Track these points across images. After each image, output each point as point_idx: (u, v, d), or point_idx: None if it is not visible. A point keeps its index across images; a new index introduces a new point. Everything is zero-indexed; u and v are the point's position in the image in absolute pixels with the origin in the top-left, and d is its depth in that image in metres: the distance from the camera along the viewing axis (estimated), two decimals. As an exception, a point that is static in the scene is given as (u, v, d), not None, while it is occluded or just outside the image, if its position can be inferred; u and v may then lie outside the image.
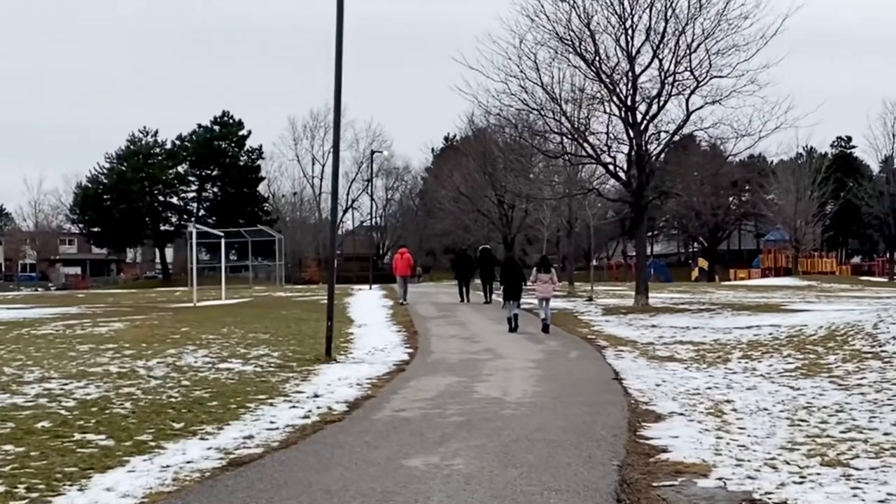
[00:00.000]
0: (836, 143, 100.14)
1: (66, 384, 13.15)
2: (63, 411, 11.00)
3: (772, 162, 70.83)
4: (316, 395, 12.47)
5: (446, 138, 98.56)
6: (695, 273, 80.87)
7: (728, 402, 11.89)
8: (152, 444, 9.35)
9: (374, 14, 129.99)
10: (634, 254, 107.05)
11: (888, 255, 77.53)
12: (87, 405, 11.44)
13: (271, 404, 11.84)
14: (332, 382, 13.76)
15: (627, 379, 13.88)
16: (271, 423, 10.58)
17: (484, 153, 48.11)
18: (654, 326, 22.55)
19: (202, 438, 9.68)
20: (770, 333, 19.61)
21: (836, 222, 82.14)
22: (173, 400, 11.98)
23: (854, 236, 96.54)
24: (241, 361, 16.07)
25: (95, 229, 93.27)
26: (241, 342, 19.29)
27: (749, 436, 9.76)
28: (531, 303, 25.05)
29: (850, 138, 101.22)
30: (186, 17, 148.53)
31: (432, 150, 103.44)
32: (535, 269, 22.94)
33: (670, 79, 27.31)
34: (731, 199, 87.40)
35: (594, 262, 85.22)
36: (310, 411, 11.28)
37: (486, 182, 47.57)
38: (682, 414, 11.06)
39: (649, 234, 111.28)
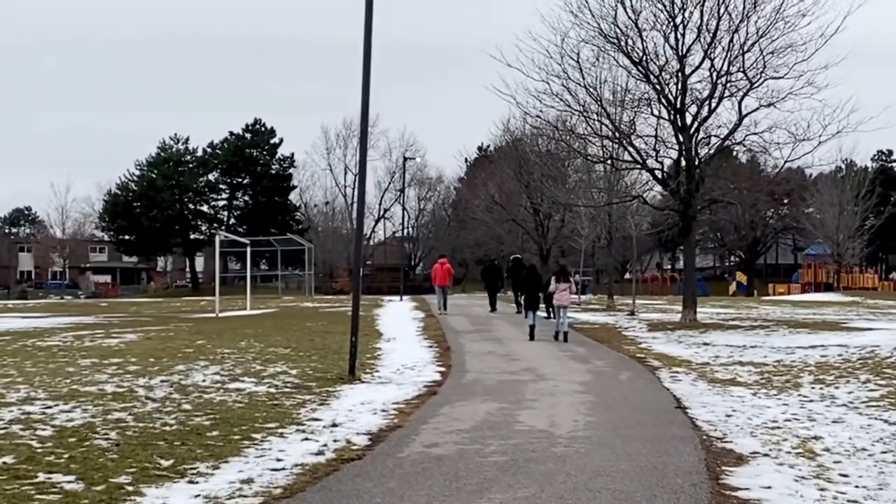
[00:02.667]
0: (876, 157, 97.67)
1: (49, 407, 11.53)
2: (34, 442, 9.35)
3: (810, 175, 68.77)
4: (334, 425, 10.76)
5: (480, 148, 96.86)
6: (732, 287, 78.66)
7: (816, 438, 10.09)
8: (129, 488, 7.68)
9: (408, 27, 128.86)
10: (668, 267, 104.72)
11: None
12: (64, 434, 9.79)
13: (281, 435, 10.15)
14: (354, 407, 12.06)
15: (692, 407, 12.08)
16: (277, 460, 8.89)
17: (519, 160, 46.37)
18: (706, 344, 20.70)
19: (191, 482, 8.00)
20: (839, 355, 17.74)
21: (876, 237, 79.60)
22: (167, 429, 10.31)
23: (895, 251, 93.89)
24: (255, 380, 14.41)
25: (125, 237, 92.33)
26: (258, 357, 17.66)
27: (857, 486, 7.99)
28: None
29: (891, 152, 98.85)
30: (225, 28, 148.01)
31: (465, 159, 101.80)
32: (553, 278, 23.05)
33: (722, 79, 25.47)
34: (770, 212, 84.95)
35: (629, 275, 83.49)
36: (325, 445, 9.57)
37: (522, 190, 45.86)
38: (766, 454, 9.27)
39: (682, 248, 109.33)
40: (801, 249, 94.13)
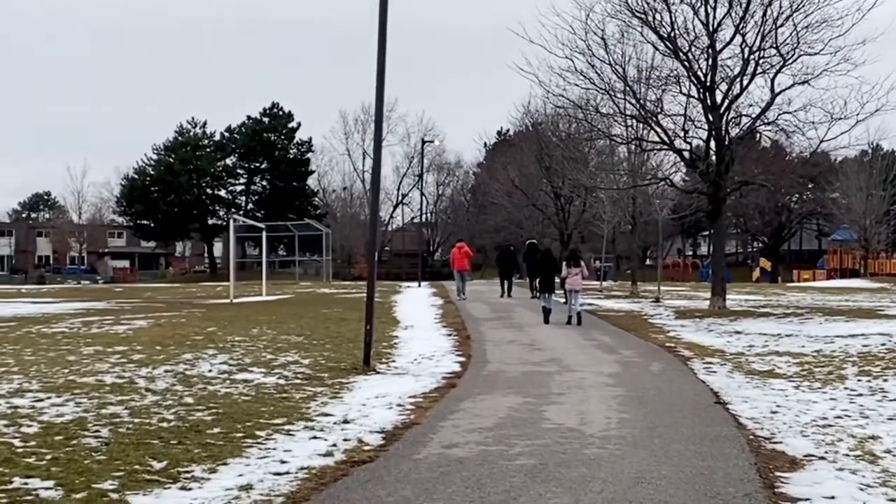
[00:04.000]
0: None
1: (41, 399, 10.73)
2: (17, 441, 8.55)
3: (835, 160, 67.41)
4: (345, 421, 9.91)
5: (499, 133, 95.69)
6: (755, 274, 77.38)
7: (874, 438, 9.16)
8: (113, 496, 6.86)
9: (426, 9, 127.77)
10: (690, 252, 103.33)
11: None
12: (51, 431, 8.98)
13: (288, 432, 9.31)
14: (368, 401, 11.21)
15: (732, 402, 11.17)
16: (282, 462, 8.06)
17: (540, 142, 45.36)
18: (738, 333, 19.73)
19: (184, 488, 7.17)
20: (882, 344, 16.76)
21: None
22: (165, 425, 9.48)
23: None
24: (264, 371, 13.59)
25: (142, 222, 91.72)
26: (269, 346, 16.85)
27: (931, 495, 7.08)
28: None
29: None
30: (239, 9, 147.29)
31: (485, 144, 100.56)
32: (564, 262, 23.12)
33: (754, 55, 24.40)
34: (795, 196, 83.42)
35: (649, 262, 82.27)
36: (334, 445, 8.72)
37: (542, 174, 44.82)
38: (822, 457, 8.36)
39: (705, 233, 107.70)
40: (825, 235, 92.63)
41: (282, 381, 12.62)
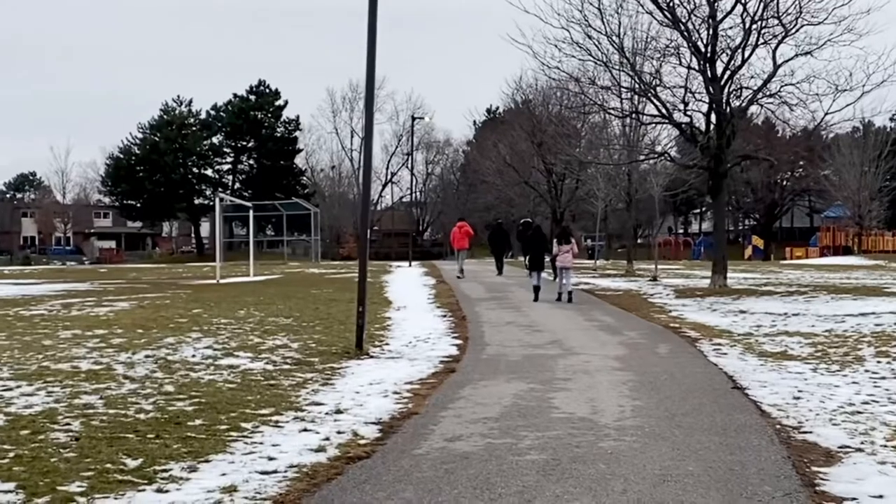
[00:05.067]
0: (895, 117, 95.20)
1: (9, 389, 9.98)
2: (-22, 436, 7.80)
3: (826, 136, 66.74)
4: (338, 411, 9.17)
5: (489, 110, 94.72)
6: (748, 251, 76.76)
7: (909, 426, 8.49)
8: (80, 500, 6.12)
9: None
10: (681, 231, 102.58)
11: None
12: (18, 425, 8.23)
13: (276, 424, 8.57)
14: (362, 389, 10.48)
15: (750, 387, 10.46)
16: (269, 459, 7.32)
17: (532, 118, 44.52)
18: (742, 312, 19.05)
19: (160, 490, 6.43)
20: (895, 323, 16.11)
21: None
22: (142, 417, 8.74)
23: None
24: (251, 356, 12.85)
25: (128, 202, 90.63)
26: (256, 328, 16.12)
27: None
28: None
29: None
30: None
31: (474, 122, 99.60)
32: (555, 240, 23.25)
33: (756, 26, 23.60)
34: (787, 174, 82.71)
35: (640, 240, 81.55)
36: (326, 439, 7.99)
37: (534, 151, 43.97)
38: (859, 449, 7.66)
39: (696, 211, 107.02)
40: (817, 212, 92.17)
41: (269, 367, 11.89)
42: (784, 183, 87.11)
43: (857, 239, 67.45)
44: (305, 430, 8.35)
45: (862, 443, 7.87)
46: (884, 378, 11.14)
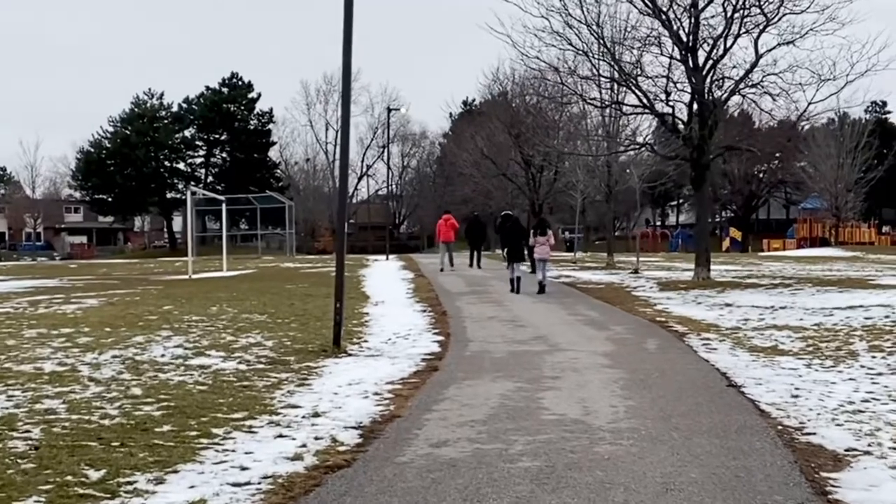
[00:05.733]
0: (870, 109, 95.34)
1: (-34, 393, 9.42)
2: (-73, 447, 7.26)
3: (802, 128, 66.61)
4: (315, 415, 8.67)
5: (465, 102, 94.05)
6: (726, 244, 76.66)
7: (915, 426, 8.09)
8: (34, 520, 5.61)
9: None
10: (659, 223, 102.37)
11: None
12: (-28, 434, 7.70)
13: (249, 429, 8.07)
14: (340, 389, 9.98)
15: (746, 385, 10.04)
16: (242, 468, 6.82)
17: (509, 110, 44.05)
18: (728, 305, 18.67)
19: (123, 505, 5.93)
20: (887, 317, 15.73)
21: (872, 191, 77.69)
22: (107, 423, 8.21)
23: (891, 205, 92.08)
24: (223, 355, 12.32)
25: (99, 196, 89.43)
26: (229, 326, 15.59)
27: None
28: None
29: (885, 103, 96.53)
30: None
31: (450, 114, 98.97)
32: (532, 231, 23.22)
33: (738, 14, 23.22)
34: (763, 165, 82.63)
35: (617, 232, 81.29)
36: (303, 446, 7.49)
37: (512, 143, 43.50)
38: (867, 452, 7.25)
39: (674, 203, 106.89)
40: (793, 204, 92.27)
41: (243, 367, 11.37)
42: (761, 175, 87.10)
43: (833, 231, 67.47)
44: (281, 435, 7.85)
45: (869, 445, 7.46)
46: (881, 374, 10.75)
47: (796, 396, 9.45)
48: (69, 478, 6.46)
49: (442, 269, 30.42)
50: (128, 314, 17.41)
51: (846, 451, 7.30)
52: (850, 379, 10.48)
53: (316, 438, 7.73)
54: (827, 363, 11.61)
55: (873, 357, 11.96)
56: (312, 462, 6.99)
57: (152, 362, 11.64)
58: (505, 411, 8.69)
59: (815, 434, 7.84)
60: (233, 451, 7.34)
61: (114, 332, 14.51)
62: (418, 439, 7.64)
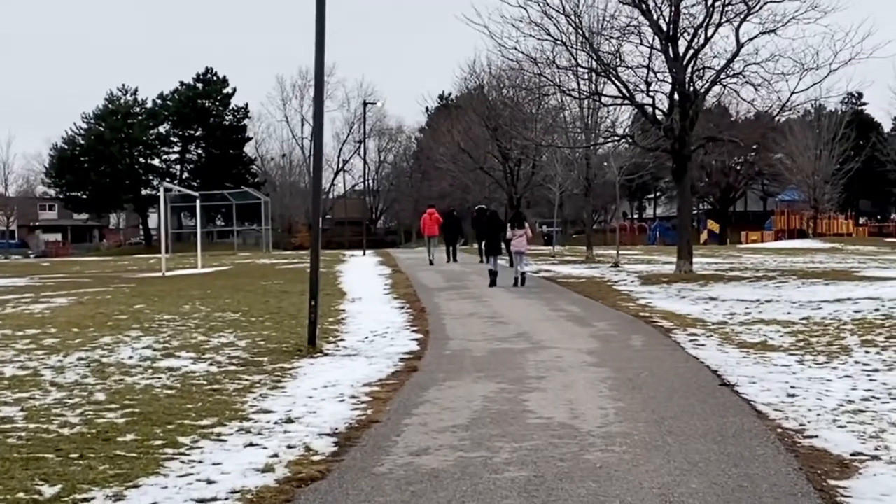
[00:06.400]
0: (846, 101, 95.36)
1: (-82, 402, 8.89)
2: None
3: (778, 121, 66.40)
4: (288, 420, 8.20)
5: (441, 96, 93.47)
6: (703, 236, 76.46)
7: (921, 427, 7.70)
8: (-24, 546, 5.12)
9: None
10: (636, 216, 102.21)
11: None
12: (-82, 447, 7.17)
13: (218, 437, 7.59)
14: (315, 392, 9.50)
15: (739, 384, 9.62)
16: (208, 482, 6.34)
17: (486, 103, 43.56)
18: (713, 299, 18.30)
19: (76, 528, 5.44)
20: (876, 310, 15.43)
21: (849, 182, 77.74)
22: (66, 432, 7.71)
23: (868, 197, 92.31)
24: (193, 356, 11.82)
25: (73, 193, 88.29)
26: (201, 325, 15.08)
27: None
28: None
29: (860, 95, 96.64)
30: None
31: (426, 108, 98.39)
32: (509, 224, 23.24)
33: (718, 3, 22.83)
34: (740, 157, 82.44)
35: (595, 226, 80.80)
36: (275, 456, 7.02)
37: (489, 136, 43.01)
38: (875, 457, 6.85)
39: (651, 196, 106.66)
40: (770, 196, 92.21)
41: (213, 369, 10.87)
42: (738, 167, 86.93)
43: (811, 222, 67.35)
44: (251, 444, 7.38)
45: (876, 448, 7.06)
46: (877, 370, 10.39)
47: (793, 396, 9.05)
48: (21, 495, 5.98)
49: (434, 262, 30.79)
50: (97, 314, 16.87)
51: (852, 455, 6.90)
52: (847, 376, 10.11)
53: (288, 447, 7.26)
54: (820, 359, 11.24)
55: (867, 352, 11.60)
56: (284, 474, 6.52)
57: (119, 365, 11.13)
58: (488, 415, 8.24)
59: (817, 437, 7.44)
60: (199, 461, 6.86)
61: (81, 333, 13.99)
62: (397, 447, 7.18)
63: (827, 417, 8.10)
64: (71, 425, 7.96)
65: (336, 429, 7.87)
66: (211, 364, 11.22)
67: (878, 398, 8.90)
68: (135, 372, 10.65)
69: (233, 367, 10.99)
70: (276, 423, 8.11)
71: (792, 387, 9.48)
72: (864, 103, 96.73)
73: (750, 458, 6.72)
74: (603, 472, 6.36)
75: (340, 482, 6.28)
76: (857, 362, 10.95)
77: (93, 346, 12.60)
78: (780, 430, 7.62)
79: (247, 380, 10.19)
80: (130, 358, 11.66)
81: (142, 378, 10.26)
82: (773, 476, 6.26)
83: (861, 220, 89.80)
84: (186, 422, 8.09)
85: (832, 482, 6.21)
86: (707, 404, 8.60)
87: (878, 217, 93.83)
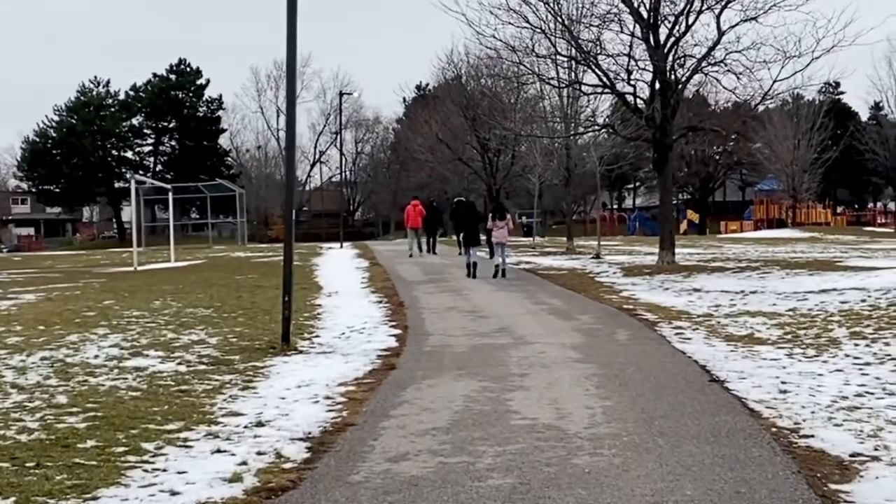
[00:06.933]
0: (823, 90, 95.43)
1: None
2: None
3: (757, 109, 66.27)
4: (259, 424, 7.79)
5: (419, 87, 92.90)
6: (683, 226, 76.39)
7: (919, 424, 7.37)
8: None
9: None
10: (615, 206, 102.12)
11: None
12: None
13: (185, 443, 7.18)
14: (288, 393, 9.09)
15: (729, 380, 9.28)
16: (172, 493, 5.94)
17: (464, 93, 43.18)
18: (697, 291, 17.98)
19: (24, 548, 5.02)
20: (863, 300, 15.12)
21: (828, 171, 77.82)
22: (23, 438, 7.28)
23: (846, 186, 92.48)
24: (162, 355, 11.38)
25: (46, 187, 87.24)
26: (171, 321, 14.62)
27: None
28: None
29: (838, 84, 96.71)
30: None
31: (404, 99, 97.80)
32: (490, 216, 22.93)
33: (698, -11, 22.50)
34: (719, 147, 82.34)
35: (574, 216, 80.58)
36: (244, 463, 6.61)
37: (468, 126, 42.63)
38: (875, 457, 6.52)
39: (630, 186, 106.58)
40: (749, 185, 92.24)
41: (182, 369, 10.44)
42: (717, 157, 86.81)
43: (790, 212, 67.34)
44: (219, 450, 6.97)
45: (876, 448, 6.73)
46: (868, 364, 10.08)
47: (785, 392, 8.72)
48: (-32, 510, 5.55)
49: (422, 254, 31.16)
50: (65, 310, 16.37)
51: (851, 456, 6.57)
52: (838, 370, 9.80)
53: (258, 453, 6.85)
54: (809, 352, 10.93)
55: (856, 345, 11.30)
56: (253, 484, 6.12)
57: (84, 364, 10.68)
58: (470, 416, 7.85)
59: (813, 436, 7.10)
60: (164, 470, 6.46)
61: (47, 331, 13.51)
62: (374, 452, 6.79)
63: (822, 415, 7.77)
64: (29, 431, 7.53)
65: (309, 433, 7.47)
66: (180, 363, 10.79)
67: (871, 393, 8.59)
68: (100, 372, 10.20)
69: (202, 367, 10.57)
70: (245, 426, 7.70)
71: (783, 382, 9.15)
72: (842, 92, 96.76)
73: (746, 460, 6.38)
74: (592, 478, 5.99)
75: (313, 492, 5.89)
76: (847, 355, 10.64)
77: (58, 345, 12.14)
78: (774, 430, 7.28)
79: (216, 380, 9.76)
80: (96, 357, 11.22)
81: (107, 379, 9.83)
82: (772, 480, 5.91)
83: (839, 210, 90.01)
84: (151, 426, 7.68)
85: (833, 486, 5.88)
86: (697, 402, 8.25)
87: (856, 206, 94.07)
